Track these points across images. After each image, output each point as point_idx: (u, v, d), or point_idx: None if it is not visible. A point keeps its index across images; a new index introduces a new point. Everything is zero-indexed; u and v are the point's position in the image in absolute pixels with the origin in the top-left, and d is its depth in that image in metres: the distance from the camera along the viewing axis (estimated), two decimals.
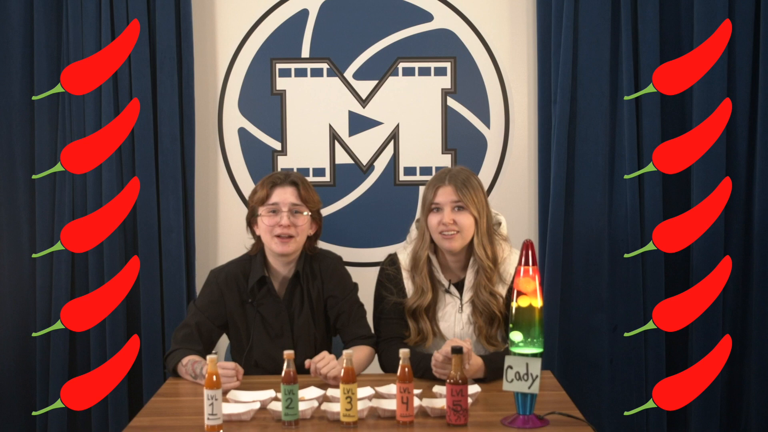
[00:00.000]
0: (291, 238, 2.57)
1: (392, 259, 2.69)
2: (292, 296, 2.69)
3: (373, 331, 2.71)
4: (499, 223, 2.67)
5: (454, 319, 2.59)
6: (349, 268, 3.55)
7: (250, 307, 2.68)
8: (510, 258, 2.60)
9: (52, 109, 3.45)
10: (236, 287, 2.69)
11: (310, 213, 2.65)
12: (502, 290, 2.57)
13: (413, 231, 2.73)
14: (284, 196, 2.59)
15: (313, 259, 2.75)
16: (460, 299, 2.59)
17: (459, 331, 2.58)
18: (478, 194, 2.56)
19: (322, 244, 3.53)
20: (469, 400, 2.15)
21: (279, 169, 3.58)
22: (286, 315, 2.68)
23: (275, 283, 2.70)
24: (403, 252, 2.69)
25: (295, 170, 3.59)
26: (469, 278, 2.59)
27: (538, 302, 2.09)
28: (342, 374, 2.08)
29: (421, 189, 3.55)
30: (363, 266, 3.55)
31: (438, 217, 2.55)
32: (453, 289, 2.60)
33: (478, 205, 2.54)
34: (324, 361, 2.40)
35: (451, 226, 2.52)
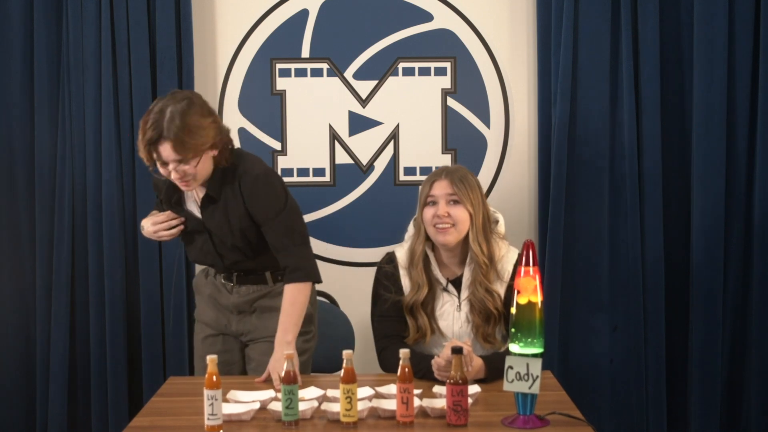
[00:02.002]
0: (188, 182, 2.49)
1: (390, 257, 2.69)
2: (211, 214, 2.61)
3: (372, 332, 2.70)
4: (497, 221, 2.66)
5: (453, 318, 2.58)
6: (349, 268, 3.60)
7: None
8: (508, 256, 2.60)
9: (52, 109, 3.45)
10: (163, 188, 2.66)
11: (197, 159, 2.45)
12: (500, 288, 2.57)
13: (410, 229, 2.72)
14: (166, 153, 2.40)
15: (233, 175, 2.58)
16: (458, 297, 2.59)
17: (458, 329, 2.58)
18: (474, 191, 2.56)
19: (322, 245, 3.58)
20: (470, 401, 2.15)
21: (279, 170, 3.58)
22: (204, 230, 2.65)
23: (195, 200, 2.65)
24: (401, 250, 2.69)
25: (294, 170, 3.59)
26: (467, 276, 2.59)
27: (538, 302, 2.09)
28: (342, 374, 2.08)
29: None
30: (363, 266, 3.56)
31: (433, 210, 2.55)
32: (451, 287, 2.60)
33: (474, 201, 2.55)
34: (280, 365, 2.38)
35: (446, 219, 2.53)
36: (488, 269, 2.55)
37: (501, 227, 2.68)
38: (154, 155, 2.41)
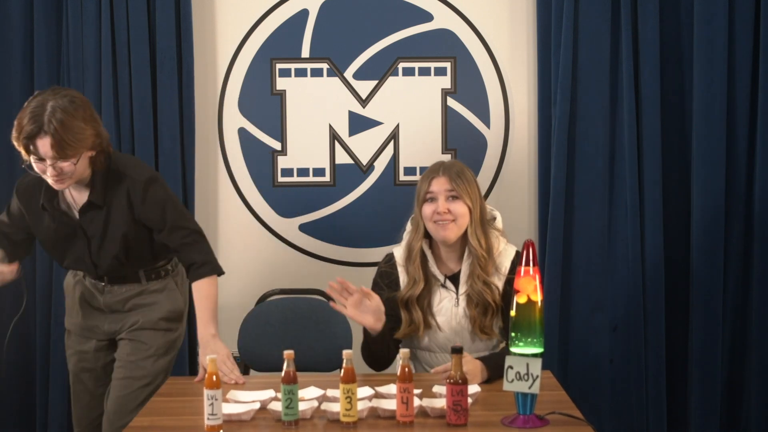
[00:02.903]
0: (63, 180, 2.40)
1: (389, 257, 2.69)
2: (91, 220, 2.54)
3: None
4: (494, 218, 2.67)
5: (451, 313, 2.59)
6: (349, 268, 3.59)
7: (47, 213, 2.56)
8: (506, 251, 2.61)
9: None
10: (36, 193, 2.55)
11: (75, 157, 2.35)
12: (498, 282, 2.57)
13: (408, 228, 2.72)
14: (44, 148, 2.31)
15: (118, 181, 2.50)
16: (456, 293, 2.59)
17: (455, 324, 2.58)
18: (472, 186, 2.57)
19: (322, 245, 3.58)
20: (469, 400, 2.14)
21: (279, 170, 3.58)
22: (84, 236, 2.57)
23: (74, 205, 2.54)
24: (399, 249, 2.69)
25: (294, 170, 3.59)
26: (465, 271, 2.59)
27: (538, 302, 2.08)
28: (342, 374, 2.08)
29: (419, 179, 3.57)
30: (363, 266, 3.55)
31: (432, 206, 2.55)
32: (449, 284, 2.60)
33: (472, 196, 2.55)
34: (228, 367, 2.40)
35: (446, 215, 2.53)
36: (486, 262, 2.55)
37: (499, 223, 2.68)
38: (31, 149, 2.32)
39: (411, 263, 2.61)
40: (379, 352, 2.57)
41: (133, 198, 2.50)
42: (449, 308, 2.59)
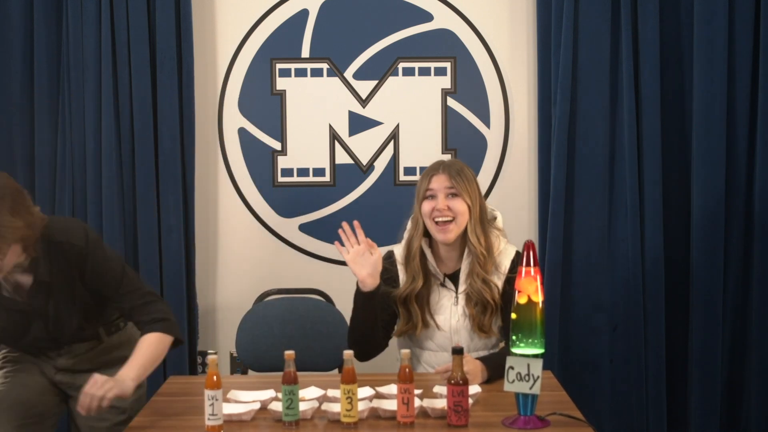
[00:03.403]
0: None
1: (389, 254, 2.69)
2: (44, 301, 2.36)
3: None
4: (495, 218, 2.67)
5: (450, 312, 2.58)
6: (346, 268, 3.55)
7: None
8: (506, 251, 2.60)
9: (53, 110, 3.44)
10: None
11: (4, 252, 2.17)
12: (498, 280, 2.56)
13: (408, 228, 2.71)
14: None
15: (57, 252, 2.32)
16: (456, 291, 2.59)
17: (455, 323, 2.58)
18: (472, 184, 2.57)
19: (321, 244, 3.58)
20: (470, 401, 2.14)
21: (279, 170, 3.58)
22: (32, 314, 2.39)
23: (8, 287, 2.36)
24: (399, 247, 2.69)
25: (294, 170, 3.59)
26: (464, 268, 2.58)
27: (539, 303, 2.08)
28: (342, 374, 2.07)
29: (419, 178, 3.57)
30: None
31: (432, 203, 2.55)
32: (448, 282, 2.60)
33: (472, 194, 2.55)
34: (96, 386, 2.16)
35: (446, 212, 2.52)
36: (486, 260, 2.55)
37: (499, 223, 2.68)
38: None
39: (410, 261, 2.61)
40: (366, 333, 2.53)
41: (78, 266, 2.34)
42: (448, 307, 2.59)
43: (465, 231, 2.56)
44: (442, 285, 2.61)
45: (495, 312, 2.56)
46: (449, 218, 2.53)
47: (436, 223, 2.54)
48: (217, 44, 3.57)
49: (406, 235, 2.69)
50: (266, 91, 3.58)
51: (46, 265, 2.31)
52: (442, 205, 2.53)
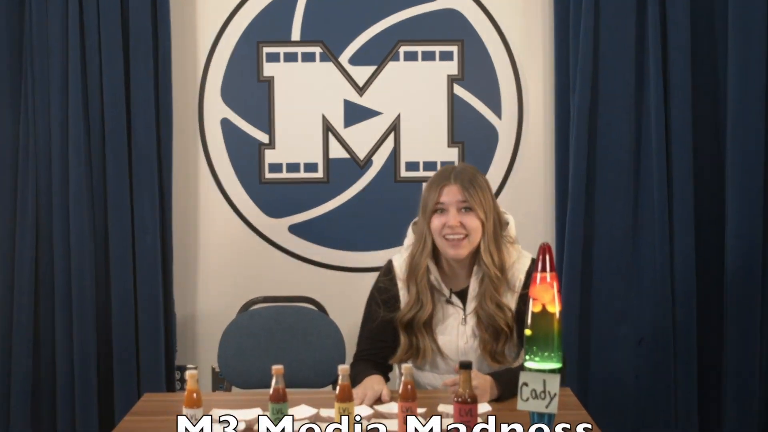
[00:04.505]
0: None
1: (388, 269, 2.65)
2: None
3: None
4: (507, 223, 2.64)
5: (457, 333, 2.56)
6: (342, 274, 3.60)
7: None
8: (519, 262, 2.58)
9: (14, 98, 3.43)
10: None
11: None
12: (511, 300, 2.54)
13: (410, 235, 2.69)
14: None
15: None
16: (464, 310, 2.56)
17: (462, 345, 2.55)
18: (486, 194, 2.54)
19: (314, 247, 3.58)
20: (479, 421, 2.13)
21: (267, 165, 3.58)
22: None
23: None
24: (399, 258, 2.66)
25: (284, 166, 3.58)
26: (473, 287, 2.56)
27: (556, 313, 2.07)
28: (337, 391, 2.06)
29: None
30: (359, 271, 3.56)
31: (442, 219, 2.52)
32: (455, 299, 2.57)
33: (486, 206, 2.52)
34: None
35: (458, 229, 2.49)
36: (500, 281, 2.52)
37: (512, 230, 2.65)
38: None
39: (417, 282, 2.56)
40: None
41: None
42: (455, 327, 2.56)
43: (476, 246, 2.54)
44: (448, 302, 2.58)
45: (509, 338, 2.54)
46: (462, 235, 2.50)
47: (447, 239, 2.51)
48: (198, 26, 3.57)
49: (407, 249, 2.64)
50: (252, 77, 3.58)
51: None
52: (454, 222, 2.50)
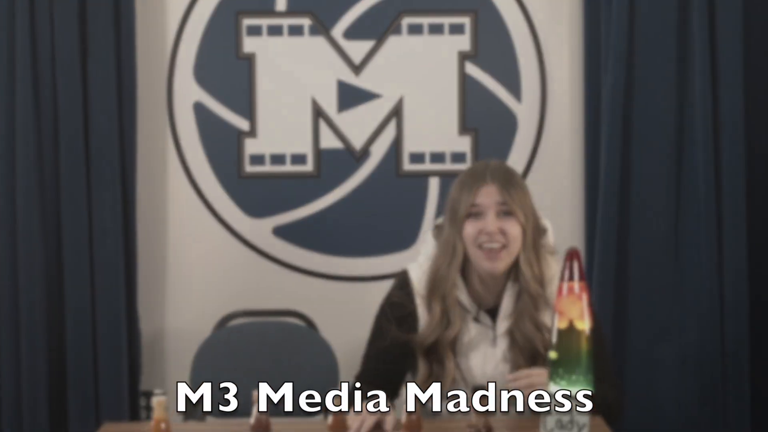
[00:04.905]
0: None
1: (403, 281, 2.61)
2: None
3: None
4: (545, 230, 2.61)
5: (485, 356, 2.53)
6: (334, 283, 3.61)
7: None
8: (558, 276, 2.55)
9: None
10: None
11: None
12: (548, 319, 2.52)
13: (430, 241, 2.66)
14: None
15: None
16: (493, 329, 2.54)
17: (491, 370, 2.53)
18: (526, 195, 2.50)
19: (301, 252, 3.58)
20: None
21: (248, 156, 3.58)
22: None
23: None
24: (417, 270, 2.62)
25: (267, 157, 3.58)
26: (507, 304, 2.53)
27: (586, 329, 2.06)
28: (330, 422, 2.06)
29: (433, 183, 3.55)
30: (358, 281, 3.57)
31: (478, 224, 2.47)
32: (484, 317, 2.55)
33: (526, 210, 2.48)
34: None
35: (497, 236, 2.46)
36: (539, 299, 2.50)
37: (550, 238, 2.63)
38: None
39: (441, 299, 2.53)
40: None
41: None
42: (482, 349, 2.54)
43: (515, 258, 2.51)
44: (475, 319, 2.56)
45: (546, 363, 2.52)
46: (500, 245, 2.47)
47: (483, 248, 2.48)
48: None
49: (430, 259, 2.59)
50: (230, 54, 3.58)
51: None
52: (492, 228, 2.46)
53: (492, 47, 3.58)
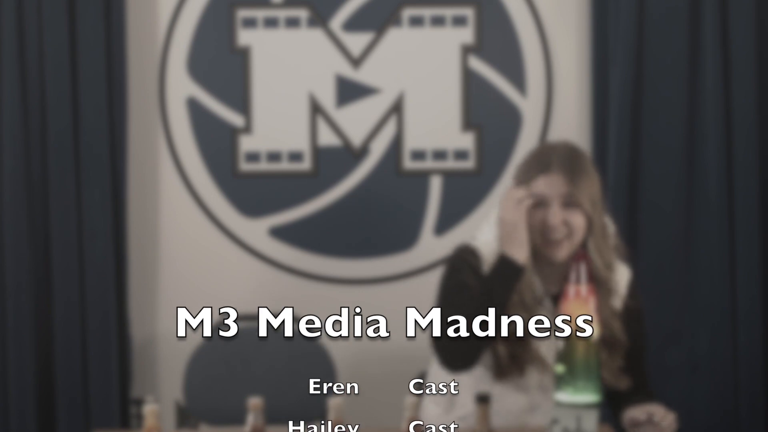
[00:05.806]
0: None
1: (469, 250, 2.52)
2: None
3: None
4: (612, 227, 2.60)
5: (547, 346, 2.50)
6: (337, 287, 3.58)
7: None
8: (617, 273, 2.54)
9: None
10: None
11: None
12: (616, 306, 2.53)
13: (486, 231, 2.59)
14: None
15: None
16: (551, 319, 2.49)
17: (551, 361, 2.51)
18: (594, 182, 2.45)
19: (297, 253, 3.58)
20: None
21: (243, 154, 3.58)
22: None
23: None
24: (485, 244, 2.53)
25: (263, 155, 3.58)
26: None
27: (593, 333, 2.07)
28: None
29: (434, 181, 3.55)
30: (357, 284, 3.56)
31: (540, 213, 2.46)
32: (547, 303, 2.51)
33: (594, 198, 2.46)
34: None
35: (560, 228, 2.45)
36: (610, 285, 2.49)
37: (611, 230, 2.62)
38: None
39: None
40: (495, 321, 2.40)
41: None
42: (551, 340, 2.50)
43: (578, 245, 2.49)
44: (538, 304, 2.52)
45: (622, 352, 2.52)
46: (563, 236, 2.46)
47: (545, 238, 2.47)
48: None
49: (491, 241, 2.53)
50: (224, 47, 3.58)
51: None
52: (556, 220, 2.43)
53: (496, 40, 3.58)
